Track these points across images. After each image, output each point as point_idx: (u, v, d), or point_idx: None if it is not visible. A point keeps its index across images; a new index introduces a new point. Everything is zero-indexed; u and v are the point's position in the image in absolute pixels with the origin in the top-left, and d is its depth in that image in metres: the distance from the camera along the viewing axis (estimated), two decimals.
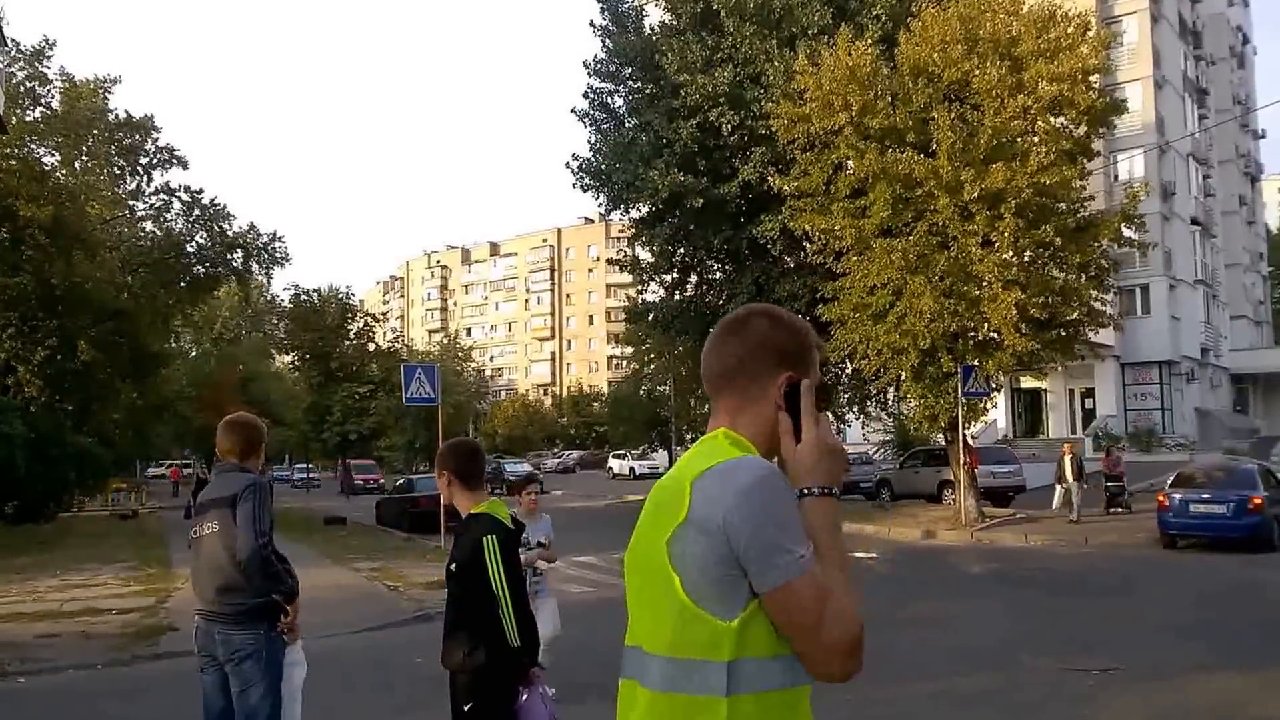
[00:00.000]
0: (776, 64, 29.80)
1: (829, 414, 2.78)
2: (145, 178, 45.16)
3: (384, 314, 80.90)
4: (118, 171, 45.15)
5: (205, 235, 46.49)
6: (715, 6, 32.19)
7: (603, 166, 34.88)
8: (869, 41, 27.14)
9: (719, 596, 2.01)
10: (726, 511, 2.01)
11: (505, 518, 5.11)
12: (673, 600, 2.05)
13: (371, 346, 64.04)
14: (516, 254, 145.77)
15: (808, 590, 2.00)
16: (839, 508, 2.16)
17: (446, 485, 5.25)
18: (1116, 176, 47.27)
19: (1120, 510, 28.90)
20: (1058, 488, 29.28)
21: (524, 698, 4.85)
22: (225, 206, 46.38)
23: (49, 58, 40.53)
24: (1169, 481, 23.18)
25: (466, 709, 4.82)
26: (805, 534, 2.06)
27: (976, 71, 25.17)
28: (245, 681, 5.83)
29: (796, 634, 2.02)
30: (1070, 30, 25.81)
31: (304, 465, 75.79)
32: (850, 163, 26.12)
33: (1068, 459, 28.30)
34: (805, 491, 2.13)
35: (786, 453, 2.19)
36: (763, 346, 2.26)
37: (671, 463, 46.99)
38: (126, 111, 44.01)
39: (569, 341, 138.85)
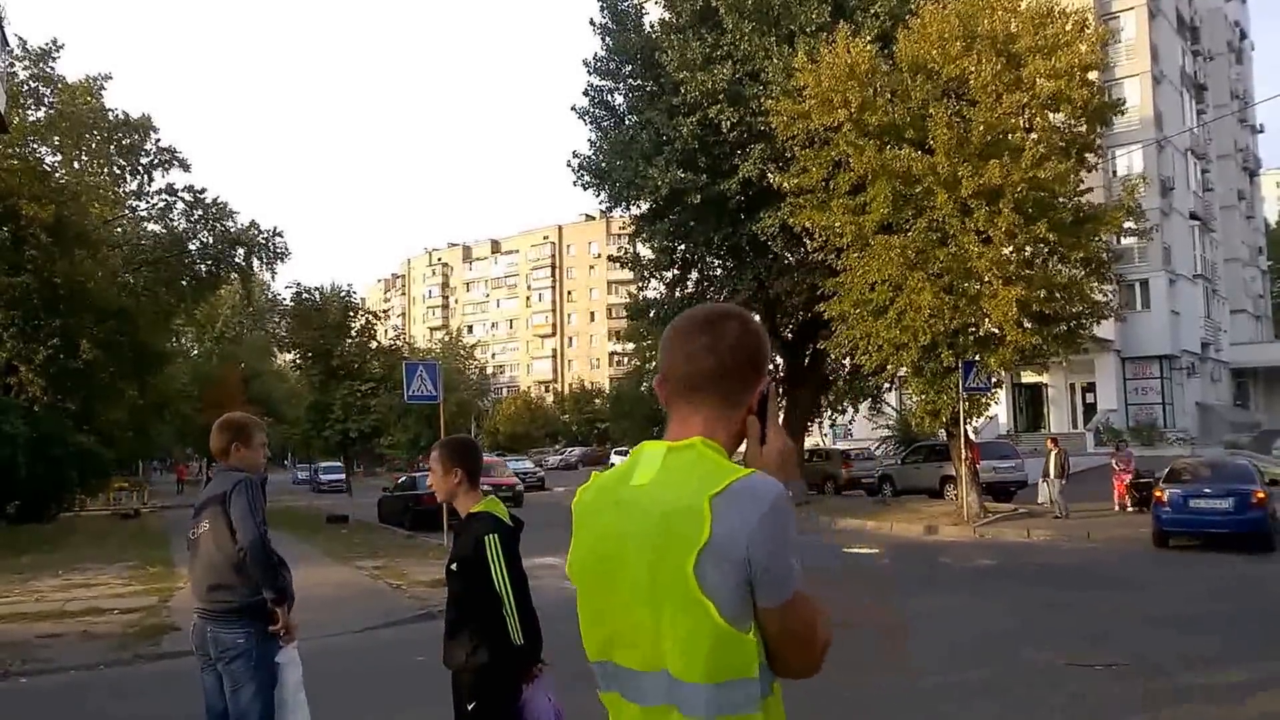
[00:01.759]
0: (776, 61, 29.83)
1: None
2: (146, 177, 45.20)
3: (385, 311, 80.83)
4: (118, 171, 45.17)
5: (207, 233, 46.57)
6: (714, 4, 32.20)
7: (603, 164, 34.93)
8: (867, 39, 27.17)
9: (743, 615, 2.00)
10: (751, 535, 1.97)
11: (505, 515, 5.05)
12: (710, 626, 1.99)
13: (373, 344, 64.00)
14: (518, 251, 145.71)
15: (805, 602, 2.04)
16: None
17: (454, 483, 5.15)
18: (1115, 172, 47.28)
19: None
20: (1042, 483, 29.24)
21: (527, 694, 4.83)
22: (227, 205, 46.53)
23: (55, 59, 40.61)
24: (1162, 477, 22.89)
25: (470, 708, 4.82)
26: None
27: (974, 68, 25.20)
28: (235, 681, 5.86)
29: (793, 641, 2.05)
30: (1068, 27, 25.83)
31: (333, 464, 69.53)
32: (850, 159, 26.14)
33: (1053, 455, 28.21)
34: None
35: (752, 457, 2.20)
36: (744, 351, 2.21)
37: None
38: (125, 112, 44.07)
39: (570, 338, 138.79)
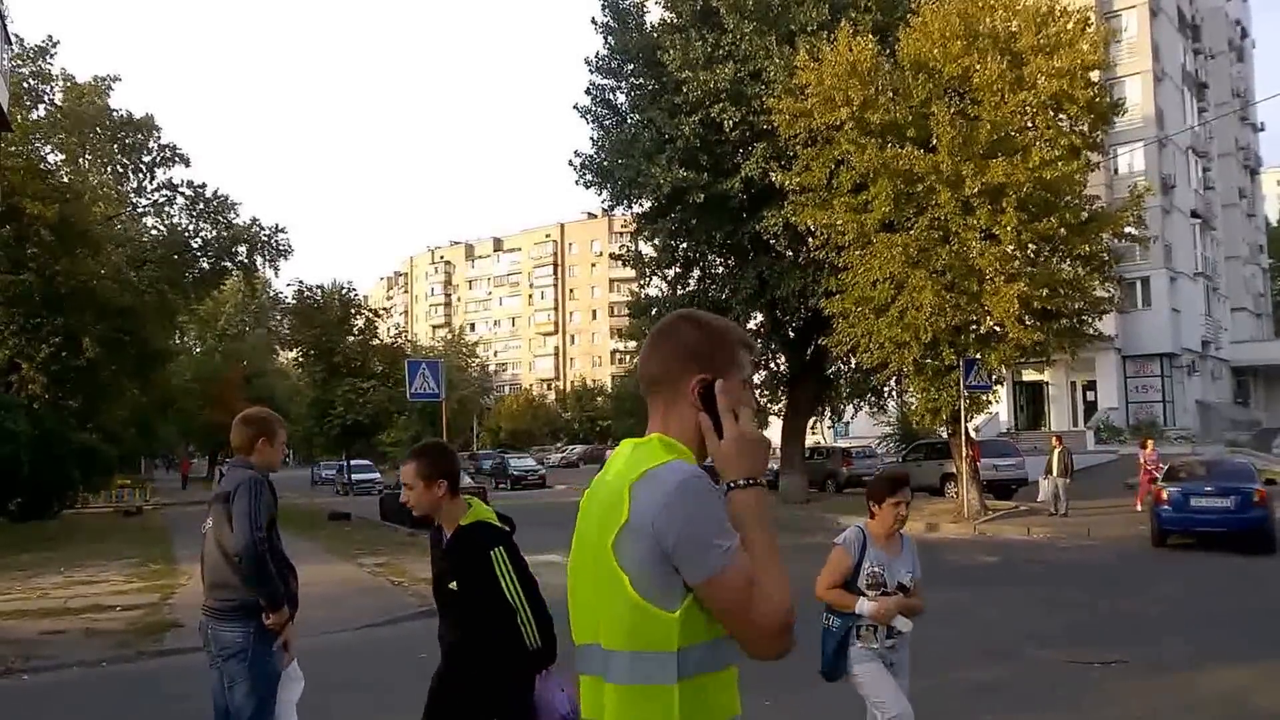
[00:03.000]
0: (777, 61, 29.85)
1: (752, 408, 2.64)
2: (149, 175, 45.30)
3: (388, 309, 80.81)
4: (120, 170, 45.27)
5: (210, 229, 46.66)
6: (714, 4, 32.24)
7: (605, 162, 34.98)
8: (868, 38, 27.19)
9: (662, 592, 2.16)
10: (655, 515, 2.15)
11: (496, 520, 4.92)
12: (625, 599, 2.19)
13: (375, 342, 63.97)
14: (520, 249, 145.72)
15: (734, 580, 2.13)
16: (762, 496, 2.27)
17: (437, 496, 4.89)
18: (1117, 170, 47.31)
19: None
20: (1042, 481, 29.20)
21: (538, 688, 4.70)
22: (229, 198, 46.60)
23: (53, 55, 40.70)
24: (1162, 476, 22.69)
25: None
26: (731, 527, 2.18)
27: (977, 67, 25.23)
28: (231, 678, 5.87)
29: (729, 620, 2.16)
30: (1070, 26, 25.86)
31: (363, 463, 64.58)
32: (852, 158, 26.17)
33: (1056, 453, 28.15)
34: (731, 485, 2.26)
35: (710, 451, 2.31)
36: (679, 351, 2.38)
37: None
38: (128, 111, 44.17)
39: (572, 336, 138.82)
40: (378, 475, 61.53)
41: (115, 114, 43.39)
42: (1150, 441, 29.98)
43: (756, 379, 39.26)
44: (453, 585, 4.79)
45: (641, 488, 2.19)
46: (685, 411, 2.35)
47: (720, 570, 2.12)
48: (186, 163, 45.80)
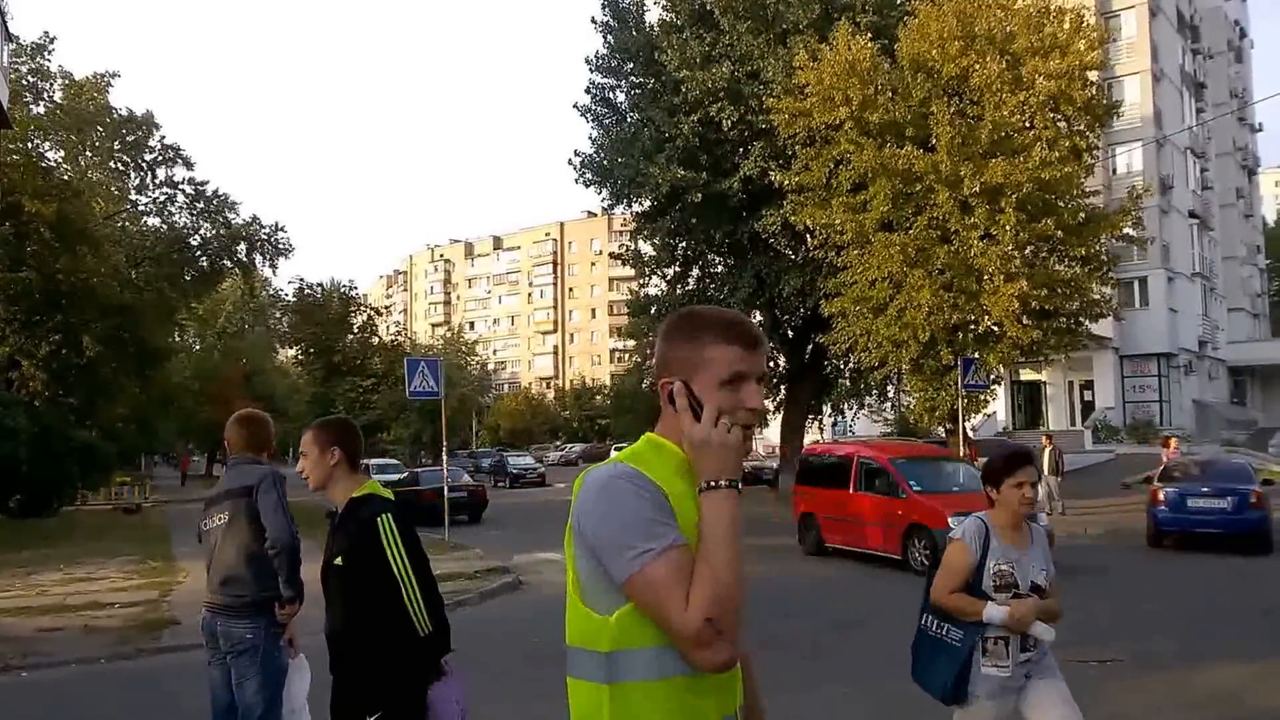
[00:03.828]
0: (774, 61, 29.90)
1: (703, 407, 2.50)
2: (149, 174, 45.32)
3: (388, 308, 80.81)
4: (121, 168, 45.29)
5: (209, 228, 46.68)
6: (709, 6, 32.29)
7: (605, 161, 35.10)
8: (866, 36, 27.25)
9: (596, 592, 2.21)
10: (579, 513, 2.23)
11: (391, 497, 4.57)
12: (572, 593, 2.27)
13: (375, 340, 63.98)
14: (519, 248, 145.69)
15: (652, 584, 2.11)
16: (725, 501, 2.20)
17: (331, 465, 4.55)
18: (1115, 170, 47.35)
19: None
20: None
21: (433, 695, 4.23)
22: (229, 196, 46.65)
23: (50, 52, 40.70)
24: (1157, 475, 22.48)
25: None
26: (664, 530, 2.14)
27: (975, 67, 25.29)
28: (242, 674, 5.87)
29: (656, 623, 2.14)
30: (1065, 26, 25.91)
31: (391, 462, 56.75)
32: (851, 157, 26.23)
33: (1047, 452, 28.15)
34: (704, 486, 2.21)
35: (687, 453, 2.28)
36: (657, 350, 2.42)
37: None
38: (129, 109, 44.21)
39: (572, 335, 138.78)
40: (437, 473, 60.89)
41: (116, 112, 43.42)
42: (1174, 440, 29.81)
43: None
44: (338, 561, 4.33)
45: (581, 488, 2.26)
46: (670, 414, 2.33)
47: (634, 574, 2.12)
48: (189, 164, 45.85)
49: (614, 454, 2.43)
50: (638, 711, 2.18)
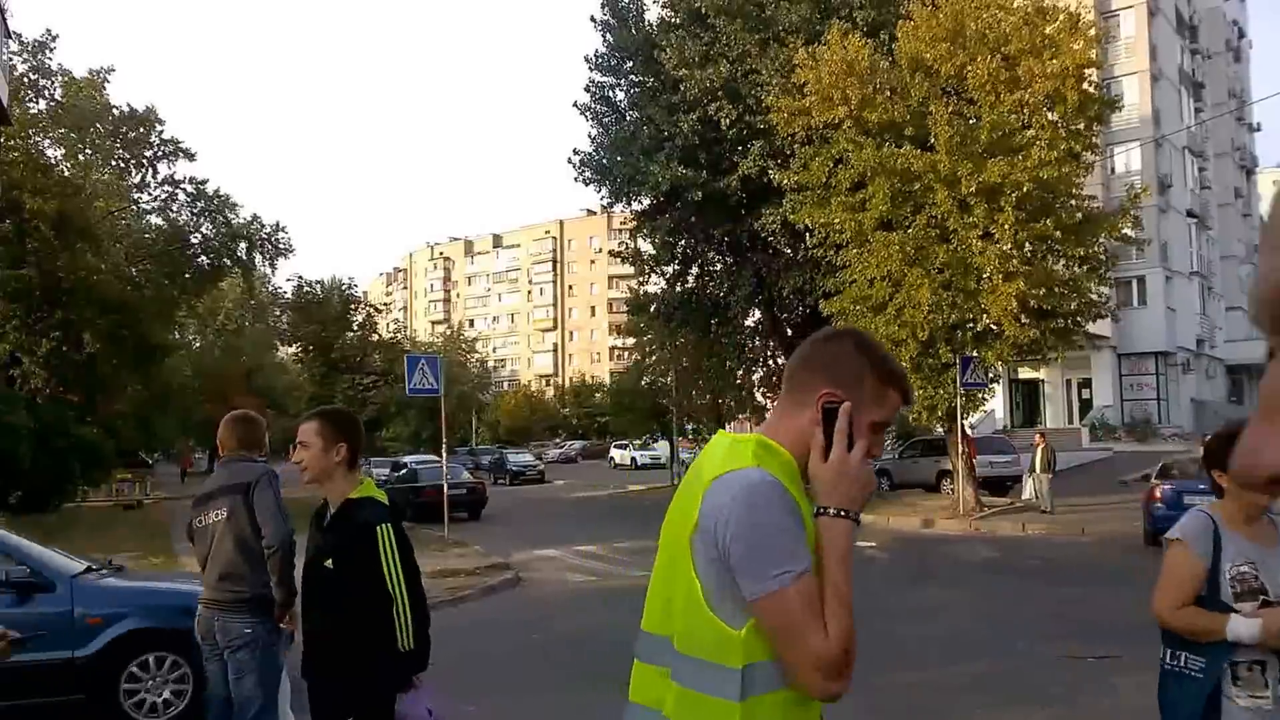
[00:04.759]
0: (770, 61, 29.96)
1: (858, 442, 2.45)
2: (150, 170, 45.33)
3: (387, 305, 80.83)
4: (121, 165, 45.30)
5: (209, 226, 46.71)
6: (702, 8, 32.34)
7: (604, 160, 35.18)
8: (859, 35, 27.29)
9: (726, 604, 2.12)
10: (719, 522, 2.10)
11: (387, 501, 4.50)
12: (697, 605, 2.15)
13: (374, 338, 64.05)
14: (519, 245, 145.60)
15: (788, 604, 2.06)
16: (848, 530, 2.19)
17: (334, 462, 4.39)
18: (1113, 170, 47.48)
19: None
20: (1028, 478, 29.32)
21: (402, 708, 4.19)
22: (229, 196, 46.66)
23: (51, 50, 40.72)
24: (1154, 473, 22.48)
25: None
26: (806, 550, 2.11)
27: (969, 66, 25.36)
28: (239, 669, 5.93)
29: (780, 646, 2.09)
30: (1061, 26, 25.96)
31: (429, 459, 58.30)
32: (850, 156, 26.30)
33: (1040, 450, 28.22)
34: (821, 510, 2.19)
35: (811, 470, 2.23)
36: (820, 363, 2.33)
37: (673, 453, 47.25)
38: (129, 105, 44.19)
39: (571, 333, 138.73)
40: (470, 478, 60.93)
41: (116, 109, 43.41)
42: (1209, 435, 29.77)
43: (756, 376, 39.56)
44: (328, 563, 4.23)
45: (713, 491, 2.15)
46: (804, 421, 2.27)
47: (775, 591, 2.06)
48: (191, 157, 45.80)
49: (742, 456, 2.23)
50: None
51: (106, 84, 43.01)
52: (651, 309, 38.71)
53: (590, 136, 36.71)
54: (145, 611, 8.94)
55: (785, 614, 2.06)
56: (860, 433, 2.22)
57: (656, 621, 2.29)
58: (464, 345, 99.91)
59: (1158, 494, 20.82)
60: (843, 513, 2.18)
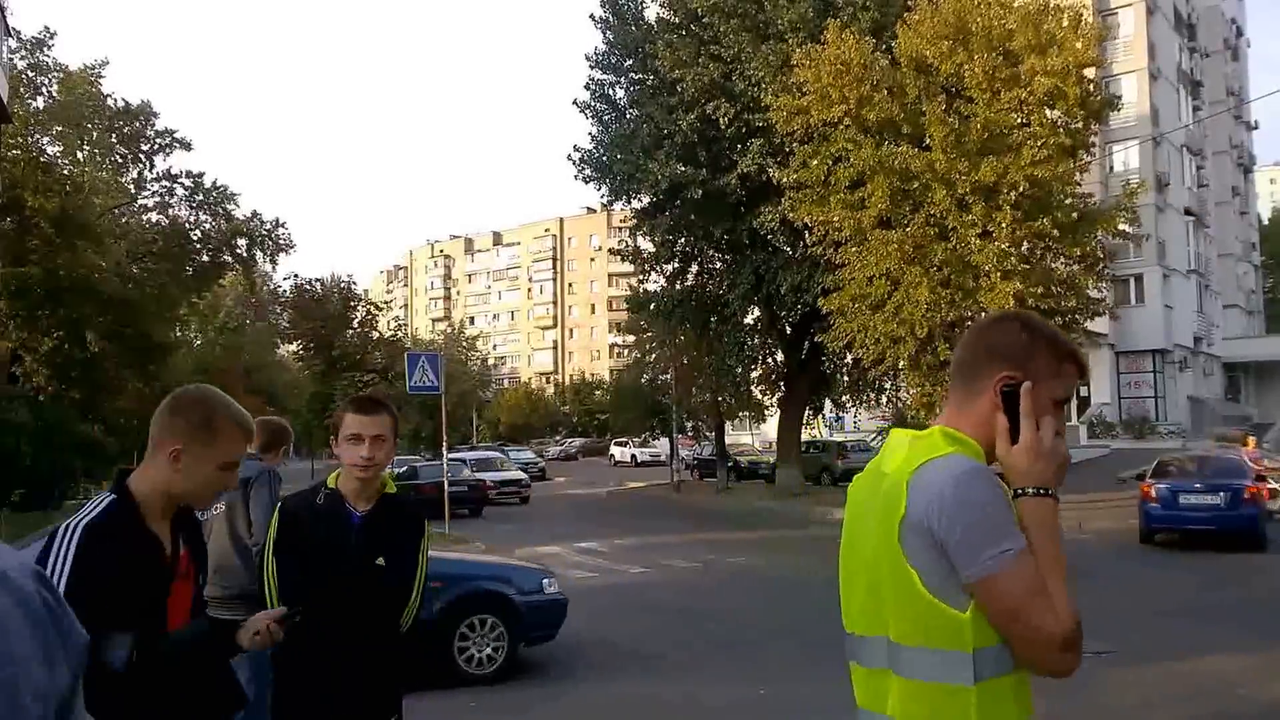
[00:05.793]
0: (763, 58, 30.04)
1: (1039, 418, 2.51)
2: (148, 164, 45.33)
3: (388, 303, 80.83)
4: (120, 160, 45.33)
5: (210, 221, 46.73)
6: (696, 7, 32.42)
7: (604, 158, 35.26)
8: (857, 33, 27.38)
9: (951, 589, 2.10)
10: (929, 509, 2.10)
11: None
12: (917, 595, 2.13)
13: (374, 335, 64.01)
14: (519, 243, 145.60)
15: (1012, 584, 2.06)
16: (1053, 508, 2.19)
17: (385, 448, 3.94)
18: (1112, 168, 47.58)
19: None
20: None
21: None
22: (228, 188, 46.59)
23: (50, 47, 40.76)
24: (1150, 471, 22.23)
25: None
26: (1019, 529, 2.11)
27: (966, 65, 25.47)
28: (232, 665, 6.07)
29: (1003, 626, 2.09)
30: (1064, 23, 26.08)
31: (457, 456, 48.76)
32: (849, 154, 26.40)
33: None
34: (1019, 492, 2.18)
35: (1000, 454, 2.24)
36: (990, 347, 2.32)
37: (673, 451, 47.31)
38: (124, 99, 44.17)
39: (571, 330, 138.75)
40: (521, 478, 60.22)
41: (112, 102, 43.34)
42: (1251, 440, 29.53)
43: (755, 374, 39.68)
44: (380, 561, 3.89)
45: (918, 480, 2.15)
46: (984, 408, 2.27)
47: (997, 571, 2.06)
48: (188, 147, 45.78)
49: (935, 446, 2.23)
50: (1006, 709, 2.16)
51: (101, 78, 43.02)
52: (651, 307, 38.80)
53: (590, 134, 36.88)
54: (467, 580, 10.66)
55: (1010, 593, 2.06)
56: (1044, 410, 2.23)
57: (865, 623, 2.30)
58: (464, 343, 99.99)
59: (1152, 492, 20.77)
60: (1040, 491, 2.18)
